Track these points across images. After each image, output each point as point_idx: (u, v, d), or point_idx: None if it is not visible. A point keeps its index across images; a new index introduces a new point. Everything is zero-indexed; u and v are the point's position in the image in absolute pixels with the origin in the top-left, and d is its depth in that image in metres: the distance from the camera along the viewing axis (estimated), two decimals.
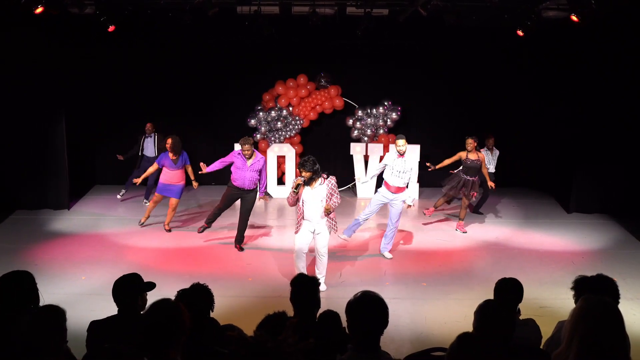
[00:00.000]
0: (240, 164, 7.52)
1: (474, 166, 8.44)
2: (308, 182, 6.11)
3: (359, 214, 10.10)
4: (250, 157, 7.50)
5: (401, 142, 7.34)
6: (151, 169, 8.59)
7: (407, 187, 7.52)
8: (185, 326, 2.58)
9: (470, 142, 8.45)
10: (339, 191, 11.26)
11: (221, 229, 8.69)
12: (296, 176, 6.25)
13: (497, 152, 9.76)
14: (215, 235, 8.35)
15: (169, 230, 8.60)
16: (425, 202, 10.42)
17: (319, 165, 6.16)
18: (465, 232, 8.67)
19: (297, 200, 6.20)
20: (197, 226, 8.67)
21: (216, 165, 7.70)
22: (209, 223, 8.07)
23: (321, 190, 6.13)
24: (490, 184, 8.68)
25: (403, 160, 7.33)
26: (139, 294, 3.40)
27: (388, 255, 7.55)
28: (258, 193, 7.70)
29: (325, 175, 6.19)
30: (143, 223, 8.73)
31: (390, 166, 7.39)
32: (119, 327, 3.28)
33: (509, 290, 3.69)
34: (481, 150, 9.24)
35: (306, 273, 6.44)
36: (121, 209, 9.83)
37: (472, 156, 8.45)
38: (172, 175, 8.35)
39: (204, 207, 9.99)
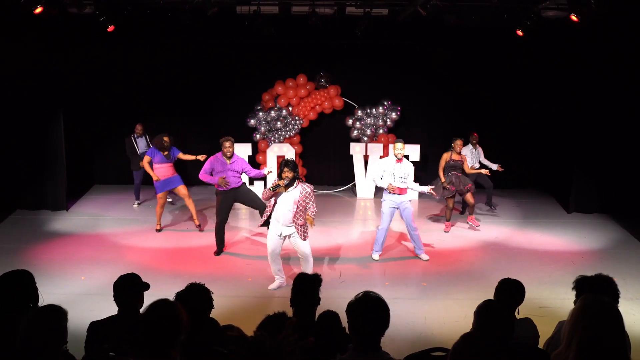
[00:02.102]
0: (220, 167, 7.37)
1: (456, 165, 8.55)
2: (287, 183, 6.03)
3: (358, 214, 10.15)
4: (230, 157, 7.41)
5: (400, 145, 7.29)
6: (148, 167, 8.47)
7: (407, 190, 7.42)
8: (184, 325, 2.59)
9: (459, 144, 8.56)
10: (339, 191, 11.39)
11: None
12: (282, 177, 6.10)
13: (479, 150, 9.61)
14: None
15: (199, 226, 8.60)
16: (425, 206, 10.44)
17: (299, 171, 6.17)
18: (479, 226, 8.75)
19: (271, 197, 6.15)
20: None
21: (206, 178, 7.45)
22: (220, 246, 7.64)
23: (294, 194, 6.07)
24: (485, 172, 8.87)
25: (401, 166, 7.29)
26: (139, 294, 3.41)
27: (424, 257, 7.52)
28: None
29: (299, 181, 6.14)
30: (160, 229, 8.59)
31: (389, 172, 7.31)
32: (119, 327, 3.28)
33: (510, 291, 3.67)
34: (464, 147, 9.21)
35: (283, 276, 6.51)
36: (120, 209, 9.82)
37: (455, 157, 8.57)
38: (166, 169, 8.36)
39: (201, 204, 9.98)
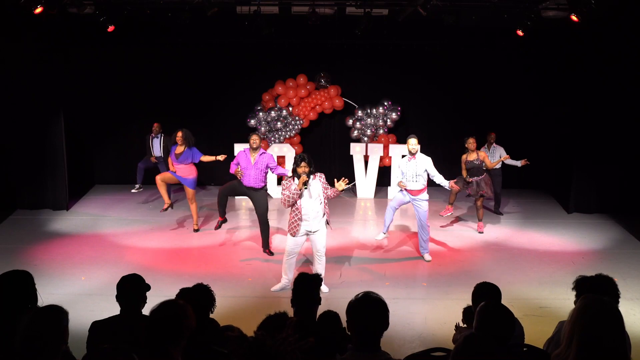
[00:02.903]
0: (245, 163, 7.43)
1: (475, 166, 8.43)
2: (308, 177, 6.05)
3: (358, 214, 10.15)
4: (255, 150, 7.42)
5: (413, 141, 7.28)
6: (170, 166, 8.46)
7: (426, 187, 7.37)
8: (191, 327, 2.60)
9: (471, 142, 8.43)
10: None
11: (222, 229, 8.69)
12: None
13: (499, 149, 9.53)
14: (216, 235, 8.34)
15: (197, 230, 8.56)
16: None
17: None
18: (482, 232, 8.67)
19: (297, 200, 6.08)
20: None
21: (233, 169, 7.53)
22: (222, 215, 7.73)
23: (316, 186, 6.11)
24: (505, 158, 9.07)
25: (415, 163, 7.26)
26: (142, 294, 3.42)
27: (427, 257, 7.50)
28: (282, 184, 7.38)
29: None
30: (166, 209, 8.54)
31: (403, 172, 7.33)
32: (121, 327, 3.28)
33: (487, 295, 3.65)
34: (482, 148, 9.23)
35: (290, 278, 6.40)
36: (120, 209, 9.82)
37: (472, 156, 8.44)
38: (180, 169, 8.29)
39: (204, 209, 9.98)
